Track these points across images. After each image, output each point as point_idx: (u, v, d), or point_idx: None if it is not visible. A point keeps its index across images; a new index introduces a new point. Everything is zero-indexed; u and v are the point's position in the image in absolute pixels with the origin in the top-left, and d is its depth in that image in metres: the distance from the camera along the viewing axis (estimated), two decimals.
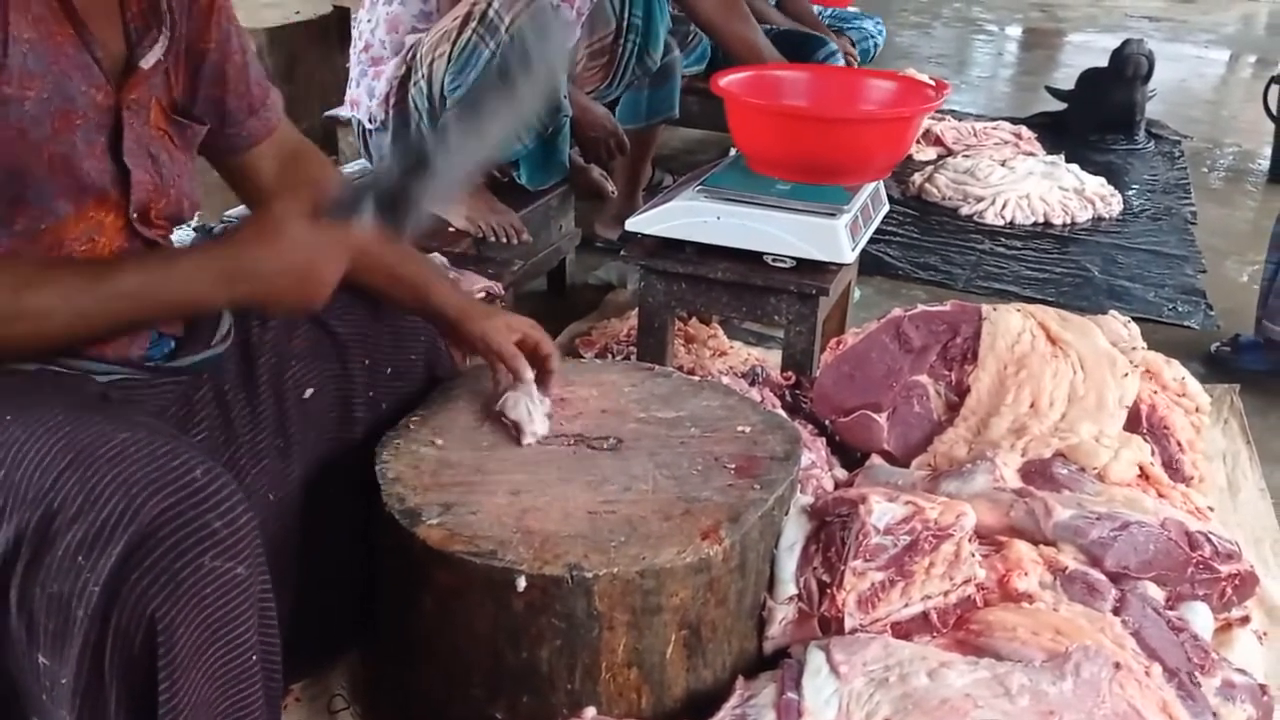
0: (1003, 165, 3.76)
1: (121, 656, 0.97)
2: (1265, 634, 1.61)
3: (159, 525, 0.96)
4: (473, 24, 2.27)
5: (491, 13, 2.25)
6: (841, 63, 3.48)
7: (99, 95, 1.14)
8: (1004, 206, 3.59)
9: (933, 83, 2.31)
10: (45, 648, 0.99)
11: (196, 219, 1.51)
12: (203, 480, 0.99)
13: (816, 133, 2.10)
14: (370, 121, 2.46)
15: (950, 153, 4.09)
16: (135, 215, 1.19)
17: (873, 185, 2.22)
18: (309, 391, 1.38)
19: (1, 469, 0.99)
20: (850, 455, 1.88)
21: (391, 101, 2.41)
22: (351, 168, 2.65)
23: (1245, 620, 1.58)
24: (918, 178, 3.83)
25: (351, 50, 2.51)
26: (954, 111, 4.77)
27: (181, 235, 1.43)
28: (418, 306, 1.46)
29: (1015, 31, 7.71)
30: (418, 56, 2.35)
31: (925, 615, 1.39)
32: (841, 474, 1.81)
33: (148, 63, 1.18)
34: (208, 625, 0.99)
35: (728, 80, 2.20)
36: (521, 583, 1.20)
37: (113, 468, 0.97)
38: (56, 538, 0.96)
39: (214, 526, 0.98)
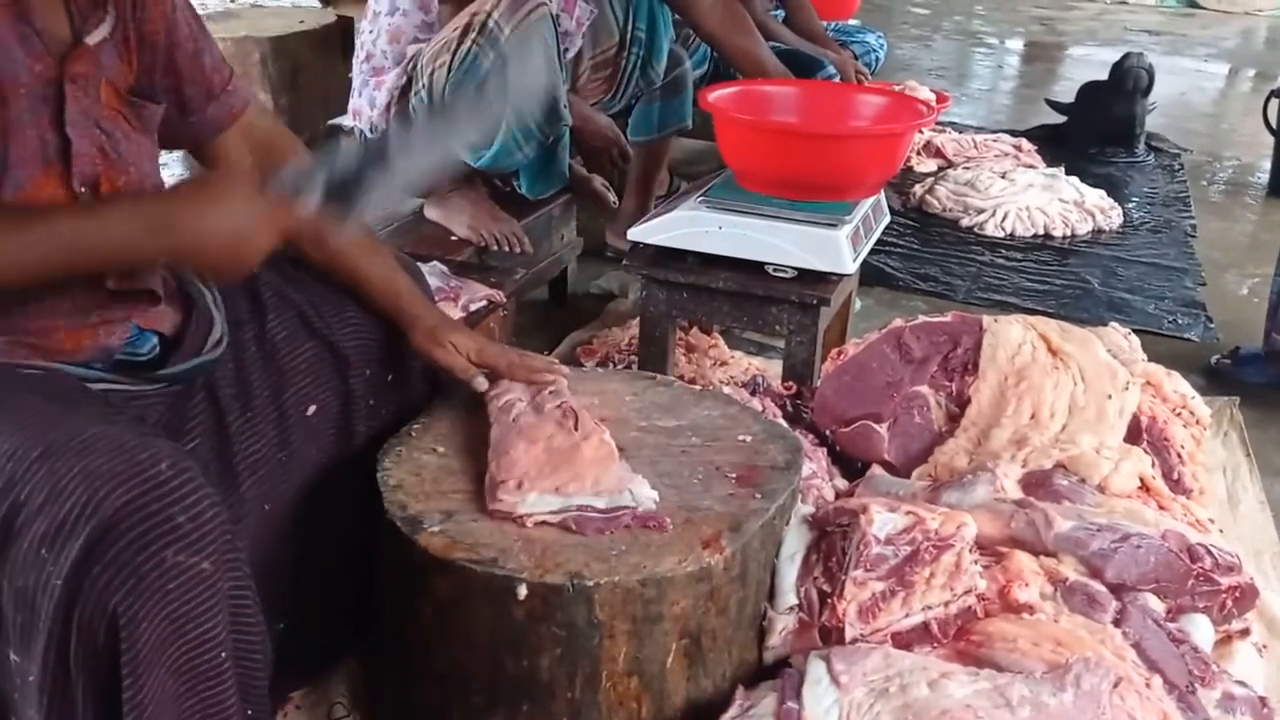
0: (1003, 177, 3.76)
1: (85, 652, 0.96)
2: (1265, 646, 1.61)
3: (121, 518, 0.95)
4: (473, 34, 2.27)
5: (491, 23, 2.26)
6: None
7: (38, 66, 1.13)
8: (1004, 218, 3.59)
9: (933, 95, 2.30)
10: (15, 643, 0.98)
11: None
12: (168, 473, 0.98)
13: (803, 149, 2.07)
14: (372, 131, 2.47)
15: (951, 165, 4.09)
16: (81, 189, 1.17)
17: (874, 196, 2.22)
18: (312, 408, 1.38)
19: None
20: (851, 465, 1.88)
21: (393, 111, 2.41)
22: None
23: (1245, 633, 1.58)
24: (918, 189, 3.84)
25: (354, 60, 2.52)
26: (954, 124, 4.77)
27: None
28: (387, 311, 1.46)
29: (1015, 44, 7.73)
30: (418, 67, 2.36)
31: (926, 626, 1.39)
32: (842, 484, 1.81)
33: (93, 39, 1.18)
34: (171, 620, 0.98)
35: (716, 95, 2.19)
36: (522, 591, 1.20)
37: (79, 460, 0.97)
38: (23, 530, 0.96)
39: (177, 520, 0.97)
